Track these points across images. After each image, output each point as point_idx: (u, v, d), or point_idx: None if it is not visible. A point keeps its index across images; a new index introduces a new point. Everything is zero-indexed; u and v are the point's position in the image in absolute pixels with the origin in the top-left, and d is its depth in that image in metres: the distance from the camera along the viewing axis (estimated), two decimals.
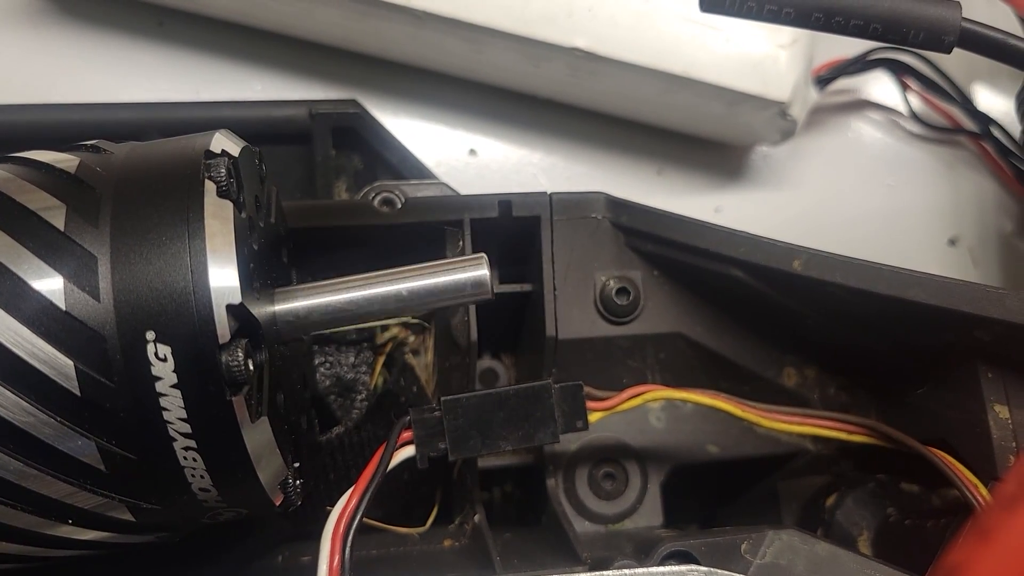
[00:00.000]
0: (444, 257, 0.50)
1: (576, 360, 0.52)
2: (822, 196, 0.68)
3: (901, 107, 0.70)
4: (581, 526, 0.53)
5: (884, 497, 0.51)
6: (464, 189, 0.57)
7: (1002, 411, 0.45)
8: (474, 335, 0.49)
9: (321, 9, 0.58)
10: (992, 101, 0.71)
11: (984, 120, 0.68)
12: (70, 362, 0.32)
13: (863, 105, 0.71)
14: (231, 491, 0.35)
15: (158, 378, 0.32)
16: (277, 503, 0.38)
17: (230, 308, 0.32)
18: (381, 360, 0.54)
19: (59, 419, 0.32)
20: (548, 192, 0.52)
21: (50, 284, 0.32)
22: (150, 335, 0.32)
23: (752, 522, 0.46)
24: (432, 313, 0.53)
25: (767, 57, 0.58)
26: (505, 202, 0.51)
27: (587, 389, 0.45)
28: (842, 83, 0.67)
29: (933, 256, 0.68)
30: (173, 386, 0.32)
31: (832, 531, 0.51)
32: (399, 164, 0.58)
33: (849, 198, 0.69)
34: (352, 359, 0.53)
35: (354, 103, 0.58)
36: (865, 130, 0.71)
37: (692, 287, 0.53)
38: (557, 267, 0.51)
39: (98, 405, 0.32)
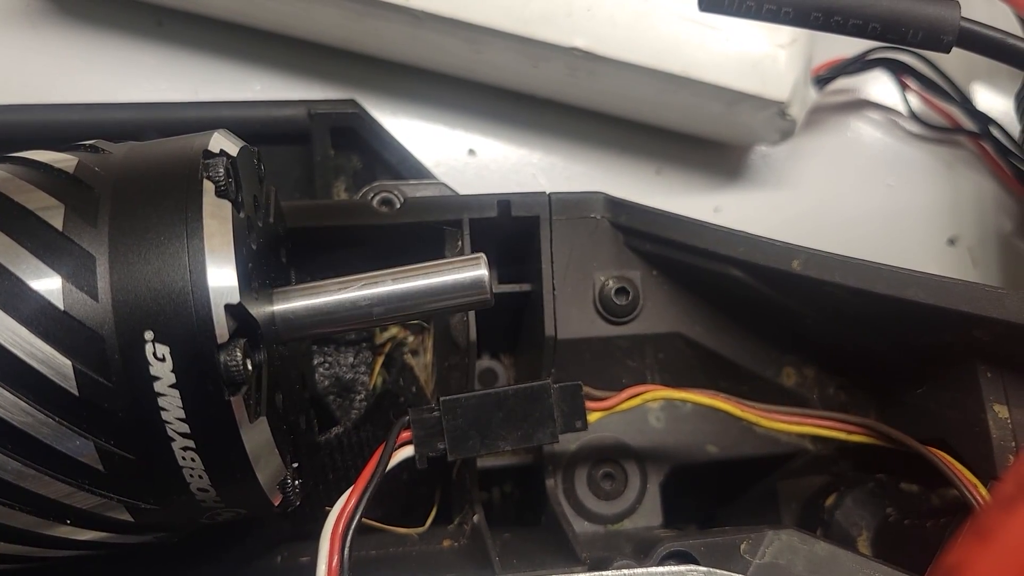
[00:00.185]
0: (443, 257, 0.50)
1: (575, 360, 0.52)
2: (821, 196, 0.68)
3: (900, 107, 0.70)
4: (580, 526, 0.53)
5: (883, 497, 0.51)
6: (463, 189, 0.57)
7: (1001, 411, 0.45)
8: (473, 335, 0.49)
9: (320, 9, 0.58)
10: (991, 101, 0.71)
11: (983, 120, 0.68)
12: (68, 362, 0.32)
13: (862, 105, 0.71)
14: (229, 491, 0.35)
15: (156, 378, 0.32)
16: (276, 503, 0.38)
17: (228, 308, 0.32)
18: (380, 360, 0.54)
19: (57, 419, 0.32)
20: (547, 192, 0.52)
21: (48, 284, 0.32)
22: (148, 335, 0.32)
23: (751, 522, 0.46)
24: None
25: (766, 57, 0.58)
26: (504, 202, 0.51)
27: (586, 389, 0.45)
28: (841, 83, 0.67)
29: (932, 256, 0.68)
30: (171, 386, 0.32)
31: (831, 531, 0.51)
32: (398, 164, 0.58)
33: (848, 198, 0.69)
34: (351, 359, 0.53)
35: (353, 103, 0.58)
36: (864, 130, 0.71)
37: (691, 287, 0.53)
38: (556, 267, 0.51)
39: (96, 405, 0.32)
